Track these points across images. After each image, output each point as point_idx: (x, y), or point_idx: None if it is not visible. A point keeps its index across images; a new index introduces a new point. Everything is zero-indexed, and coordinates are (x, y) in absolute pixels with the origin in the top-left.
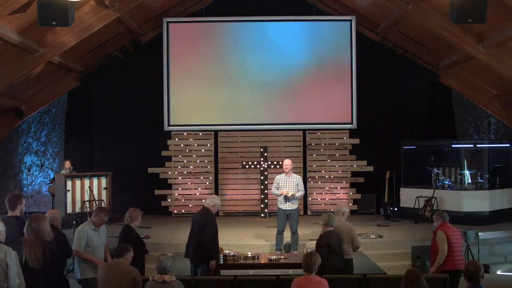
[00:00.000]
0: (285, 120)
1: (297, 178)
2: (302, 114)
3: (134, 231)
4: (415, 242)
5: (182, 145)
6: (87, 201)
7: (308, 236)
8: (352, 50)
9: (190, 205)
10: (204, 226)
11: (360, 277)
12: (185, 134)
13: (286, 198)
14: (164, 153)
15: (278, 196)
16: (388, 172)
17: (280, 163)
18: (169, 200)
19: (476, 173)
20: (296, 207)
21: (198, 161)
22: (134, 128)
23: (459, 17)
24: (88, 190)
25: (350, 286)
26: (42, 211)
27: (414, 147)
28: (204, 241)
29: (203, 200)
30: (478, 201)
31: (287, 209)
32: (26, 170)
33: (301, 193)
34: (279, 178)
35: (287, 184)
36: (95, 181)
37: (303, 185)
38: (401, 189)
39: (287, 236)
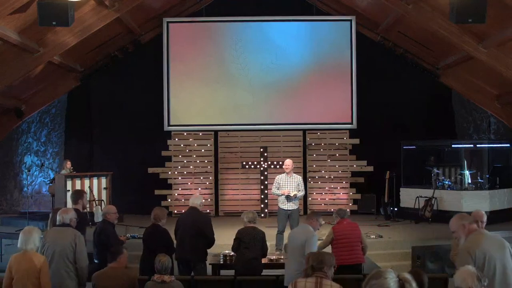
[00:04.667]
0: (285, 120)
1: (298, 178)
2: (302, 114)
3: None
4: (415, 242)
5: (182, 145)
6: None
7: None
8: (352, 50)
9: None
10: (205, 225)
11: (360, 277)
12: (185, 134)
13: (288, 198)
14: (164, 153)
15: (279, 196)
16: (388, 172)
17: (280, 163)
18: (169, 200)
19: (476, 173)
20: (297, 207)
21: (198, 161)
22: (134, 128)
23: (459, 17)
24: (88, 190)
25: (350, 285)
26: (42, 211)
27: (414, 147)
28: (210, 240)
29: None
30: (478, 201)
31: (289, 209)
32: (26, 170)
33: (302, 193)
34: (280, 178)
35: (288, 184)
36: (95, 181)
37: (303, 185)
38: (401, 189)
39: (286, 236)
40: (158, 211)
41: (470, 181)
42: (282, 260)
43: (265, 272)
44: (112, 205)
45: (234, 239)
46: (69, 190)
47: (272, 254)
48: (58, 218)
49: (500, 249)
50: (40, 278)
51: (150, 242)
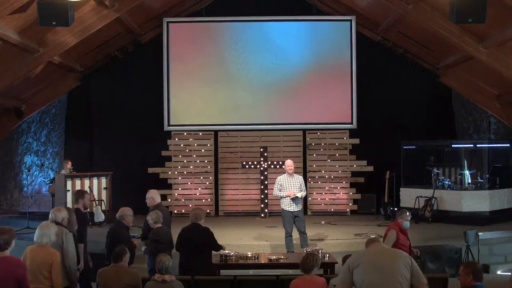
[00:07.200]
0: (285, 120)
1: (300, 178)
2: (302, 114)
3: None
4: (415, 242)
5: (182, 145)
6: None
7: (310, 236)
8: (352, 50)
9: (190, 205)
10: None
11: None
12: (185, 134)
13: (294, 200)
14: (164, 153)
15: (283, 198)
16: (388, 172)
17: (280, 163)
18: (169, 200)
19: (476, 173)
20: (301, 207)
21: (198, 161)
22: (134, 128)
23: (459, 17)
24: (88, 190)
25: None
26: (42, 211)
27: (414, 147)
28: None
29: (203, 200)
30: (478, 201)
31: (295, 210)
32: (26, 170)
33: (304, 192)
34: (281, 179)
35: (291, 185)
36: (95, 181)
37: (304, 184)
38: (401, 189)
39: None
40: (199, 210)
41: (470, 181)
42: (282, 260)
43: (265, 272)
44: (127, 207)
45: (151, 241)
46: (69, 190)
47: (272, 254)
48: (50, 216)
49: (390, 264)
50: (52, 272)
51: (192, 241)
